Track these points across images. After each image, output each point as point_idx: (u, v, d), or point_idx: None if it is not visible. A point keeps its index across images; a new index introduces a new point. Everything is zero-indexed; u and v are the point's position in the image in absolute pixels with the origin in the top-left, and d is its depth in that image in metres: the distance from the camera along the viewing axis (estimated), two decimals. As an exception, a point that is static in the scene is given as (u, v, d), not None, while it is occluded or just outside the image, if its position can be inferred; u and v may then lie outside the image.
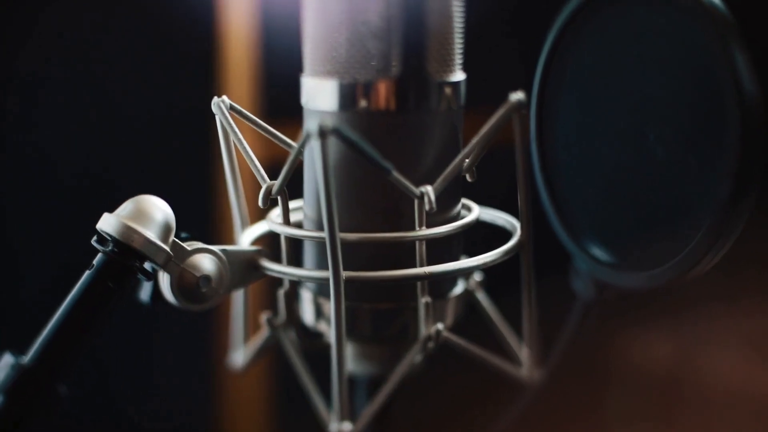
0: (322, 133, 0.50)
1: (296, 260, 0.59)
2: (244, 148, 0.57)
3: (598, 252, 0.60)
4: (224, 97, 0.58)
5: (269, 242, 0.62)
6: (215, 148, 1.18)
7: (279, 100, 1.15)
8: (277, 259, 0.59)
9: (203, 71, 1.22)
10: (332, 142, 0.51)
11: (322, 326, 0.60)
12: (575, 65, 0.60)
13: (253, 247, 0.59)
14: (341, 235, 0.52)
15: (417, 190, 0.54)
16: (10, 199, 1.16)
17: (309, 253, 0.59)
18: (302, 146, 0.53)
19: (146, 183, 1.12)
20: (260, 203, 0.56)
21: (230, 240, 0.63)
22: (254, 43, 1.21)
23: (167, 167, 1.21)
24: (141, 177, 1.18)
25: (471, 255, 0.59)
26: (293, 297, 0.60)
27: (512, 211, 0.64)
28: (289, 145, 0.59)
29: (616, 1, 0.58)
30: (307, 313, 0.60)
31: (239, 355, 0.65)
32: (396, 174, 0.53)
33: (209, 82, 1.20)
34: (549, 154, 0.62)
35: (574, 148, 0.61)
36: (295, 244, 0.59)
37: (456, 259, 0.59)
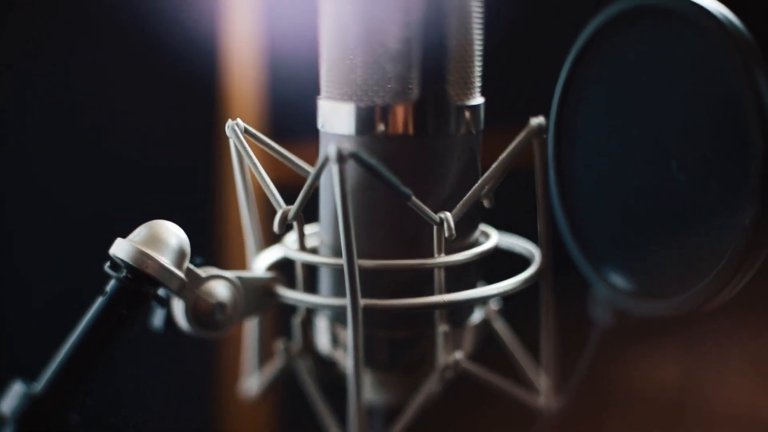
0: (341, 158, 0.50)
1: (311, 285, 0.58)
2: (259, 171, 0.56)
3: (617, 279, 0.59)
4: (238, 120, 0.58)
5: (282, 266, 0.61)
6: (219, 171, 1.17)
7: (283, 121, 1.14)
8: (291, 284, 0.58)
9: (207, 95, 1.21)
10: (350, 166, 0.50)
11: (339, 354, 0.58)
12: (594, 89, 0.59)
13: (268, 274, 0.58)
14: (359, 262, 0.51)
15: (436, 217, 0.53)
16: (17, 224, 1.15)
17: (325, 279, 0.58)
18: (320, 170, 0.52)
19: (150, 206, 1.12)
20: (276, 229, 0.55)
21: (235, 264, 0.62)
22: (259, 66, 1.20)
23: (171, 191, 1.20)
24: (145, 200, 1.17)
25: (488, 278, 0.57)
26: (309, 324, 0.59)
27: (526, 233, 0.63)
28: (304, 169, 0.58)
29: (635, 24, 0.57)
30: (323, 340, 0.59)
31: (253, 383, 0.63)
32: (415, 200, 0.52)
33: (213, 106, 1.20)
34: (567, 179, 0.61)
35: (593, 173, 0.60)
36: (311, 269, 0.58)
37: (474, 285, 0.58)
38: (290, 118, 1.08)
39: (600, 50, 0.59)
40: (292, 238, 0.59)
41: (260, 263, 0.60)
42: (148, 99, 1.19)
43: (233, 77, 1.19)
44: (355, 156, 0.50)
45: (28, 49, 1.12)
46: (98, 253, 0.55)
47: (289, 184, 0.58)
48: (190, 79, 1.20)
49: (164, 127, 1.18)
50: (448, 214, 0.53)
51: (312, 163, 0.55)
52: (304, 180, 0.55)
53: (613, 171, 0.59)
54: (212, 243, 1.21)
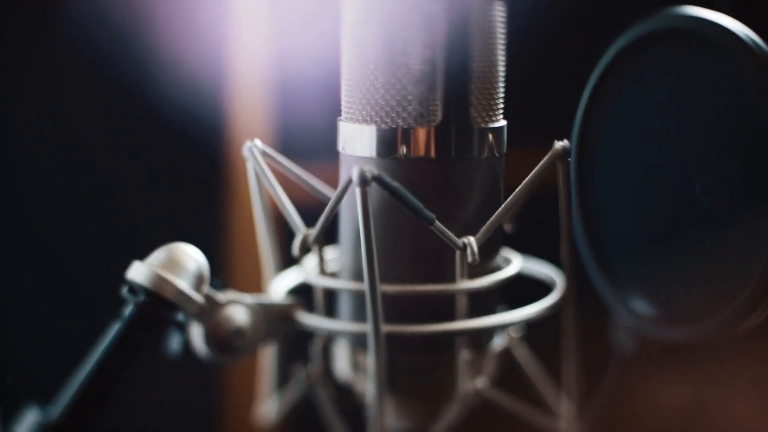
0: (364, 180, 0.49)
1: (330, 309, 0.57)
2: (279, 194, 0.55)
3: (639, 304, 0.58)
4: (257, 141, 0.57)
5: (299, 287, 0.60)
6: (228, 191, 1.16)
7: (290, 141, 1.14)
8: (309, 306, 0.57)
9: (215, 113, 1.20)
10: (372, 189, 0.49)
11: (358, 379, 0.57)
12: (616, 111, 0.59)
13: (288, 299, 0.57)
14: (381, 287, 0.51)
15: (459, 241, 0.52)
16: (30, 247, 1.14)
17: (345, 303, 0.57)
18: (342, 194, 0.51)
19: (157, 226, 1.11)
20: (295, 253, 0.54)
21: (243, 285, 0.61)
22: (267, 85, 1.19)
23: (179, 211, 1.19)
24: (153, 220, 1.16)
25: (506, 300, 0.57)
26: (328, 349, 0.58)
27: (542, 254, 0.62)
28: (320, 191, 0.57)
29: (659, 46, 0.56)
30: (342, 366, 0.58)
31: (270, 407, 0.62)
32: (439, 224, 0.51)
33: (221, 125, 1.19)
34: (588, 202, 0.60)
35: (615, 196, 0.60)
36: (330, 292, 0.57)
37: (494, 309, 0.57)
38: (297, 137, 1.07)
39: (622, 72, 0.58)
40: (310, 261, 0.58)
41: (278, 287, 0.59)
42: (156, 116, 1.18)
43: (241, 97, 1.18)
44: (378, 179, 0.49)
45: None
46: (109, 276, 0.54)
47: (300, 202, 0.57)
48: (198, 98, 1.19)
49: (172, 148, 1.17)
50: (472, 238, 0.52)
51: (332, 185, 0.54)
52: (315, 199, 0.54)
53: (636, 194, 0.58)
54: (220, 263, 1.20)
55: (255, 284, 0.76)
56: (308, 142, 0.97)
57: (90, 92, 1.11)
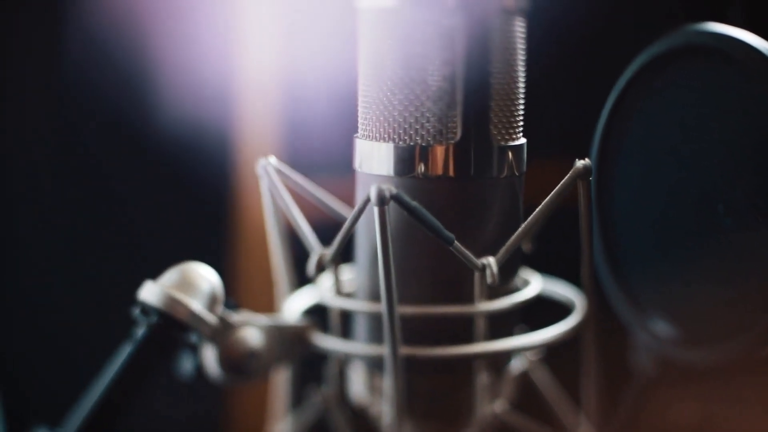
0: (382, 200, 0.48)
1: (346, 329, 0.56)
2: (294, 213, 0.54)
3: (661, 326, 0.57)
4: (271, 158, 0.56)
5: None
6: (236, 212, 1.15)
7: (301, 157, 1.13)
8: (323, 325, 0.56)
9: (222, 131, 1.19)
10: (390, 207, 0.48)
11: (375, 402, 0.56)
12: (636, 129, 0.58)
13: (303, 321, 0.56)
14: (399, 309, 0.49)
15: (479, 262, 0.51)
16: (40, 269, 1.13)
17: (361, 323, 0.56)
18: (360, 213, 0.50)
19: (164, 245, 1.10)
20: (310, 273, 0.53)
21: (250, 303, 0.60)
22: (275, 99, 1.18)
23: (187, 231, 1.18)
24: (160, 239, 1.15)
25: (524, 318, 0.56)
26: (343, 370, 0.57)
27: (557, 272, 0.61)
28: (335, 209, 0.56)
29: (679, 63, 0.55)
30: (357, 387, 0.57)
31: (284, 430, 0.61)
32: (458, 245, 0.50)
33: (228, 141, 1.18)
34: (609, 222, 0.59)
35: (636, 215, 0.59)
36: (345, 312, 0.56)
37: (512, 330, 0.56)
38: (305, 152, 1.06)
39: (642, 89, 0.57)
40: (326, 281, 0.57)
41: (292, 307, 0.58)
42: (165, 132, 1.17)
43: (250, 112, 1.17)
44: (396, 198, 0.48)
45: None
46: (120, 295, 0.53)
47: (310, 217, 0.56)
48: (207, 113, 1.18)
49: (181, 165, 1.16)
50: (491, 259, 0.51)
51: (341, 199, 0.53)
52: (326, 214, 0.53)
53: (657, 213, 0.58)
54: (228, 281, 1.19)
55: (264, 303, 0.75)
56: (317, 156, 0.96)
57: (97, 106, 1.11)
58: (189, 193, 1.15)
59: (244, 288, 1.16)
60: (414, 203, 0.49)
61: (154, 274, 0.52)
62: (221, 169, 1.15)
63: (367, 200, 0.49)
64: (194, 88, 1.11)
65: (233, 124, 1.15)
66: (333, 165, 0.91)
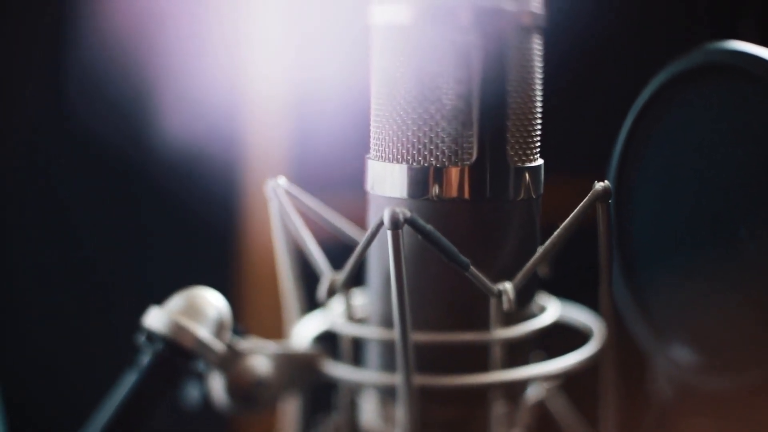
0: (396, 223, 0.46)
1: (356, 355, 0.55)
2: (304, 236, 0.53)
3: (681, 352, 0.56)
4: (281, 179, 0.54)
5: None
6: (240, 233, 1.13)
7: (306, 176, 1.11)
8: (333, 349, 0.55)
9: (228, 149, 1.18)
10: (403, 231, 0.47)
11: (387, 431, 0.54)
12: (655, 150, 0.57)
13: (313, 348, 0.54)
14: (413, 336, 0.48)
15: (495, 288, 0.49)
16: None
17: (373, 350, 0.54)
18: (372, 236, 0.49)
19: (166, 267, 1.08)
20: (321, 298, 0.52)
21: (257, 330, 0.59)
22: (282, 117, 1.17)
23: (189, 253, 1.16)
24: (162, 261, 1.14)
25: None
26: (354, 398, 0.56)
27: (574, 295, 0.59)
28: (345, 232, 0.55)
29: (700, 82, 0.54)
30: (369, 416, 0.55)
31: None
32: (473, 270, 0.48)
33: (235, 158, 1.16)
34: (627, 245, 0.58)
35: (655, 238, 0.57)
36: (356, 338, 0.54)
37: (528, 356, 0.54)
38: (310, 171, 1.05)
39: (662, 109, 0.56)
40: (337, 306, 0.55)
41: (302, 333, 0.56)
42: (169, 153, 1.15)
43: (256, 133, 1.16)
44: (411, 222, 0.46)
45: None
46: (123, 321, 0.51)
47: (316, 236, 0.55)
48: (212, 134, 1.17)
49: (185, 186, 1.15)
50: (508, 285, 0.50)
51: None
52: (334, 234, 0.51)
53: (677, 236, 0.56)
54: (232, 305, 1.17)
55: (270, 328, 0.73)
56: (324, 175, 0.94)
57: (101, 124, 1.09)
58: (194, 215, 1.13)
59: (249, 312, 1.14)
60: (429, 227, 0.47)
61: (159, 298, 0.51)
62: (227, 190, 1.14)
63: (381, 224, 0.47)
64: (201, 106, 1.10)
65: (240, 143, 1.14)
66: (340, 184, 0.90)
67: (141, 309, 0.51)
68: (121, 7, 1.08)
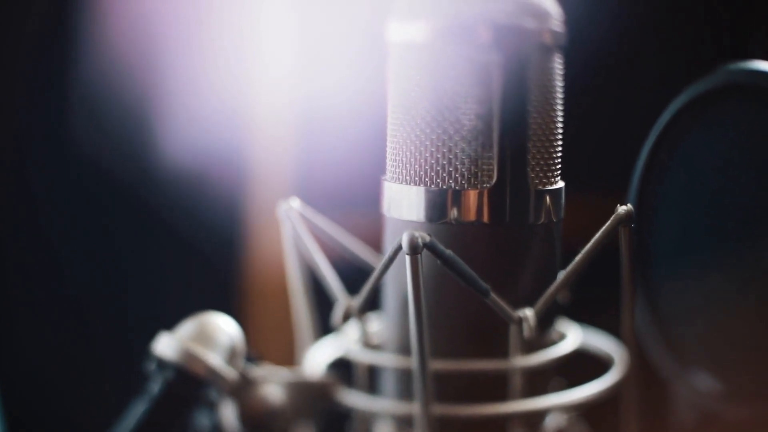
0: (415, 248, 0.45)
1: (371, 378, 0.54)
2: (318, 259, 0.51)
3: (703, 379, 0.54)
4: (294, 202, 0.53)
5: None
6: (244, 259, 1.12)
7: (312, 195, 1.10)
8: (347, 373, 0.54)
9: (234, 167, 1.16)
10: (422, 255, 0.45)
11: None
12: (675, 173, 0.55)
13: (327, 376, 0.53)
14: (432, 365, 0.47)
15: (515, 315, 0.48)
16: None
17: (389, 377, 0.53)
18: (390, 261, 0.47)
19: (168, 288, 1.07)
20: (336, 323, 0.50)
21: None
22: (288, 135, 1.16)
23: (193, 275, 1.15)
24: (164, 283, 1.12)
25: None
26: (369, 427, 0.54)
27: (589, 319, 0.58)
28: (359, 256, 0.54)
29: (722, 103, 0.53)
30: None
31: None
32: (494, 296, 0.47)
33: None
34: (647, 270, 0.56)
35: (676, 262, 0.56)
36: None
37: (548, 384, 0.53)
38: (316, 192, 1.04)
39: (683, 130, 0.55)
40: (351, 332, 0.54)
41: (315, 359, 0.55)
42: (173, 172, 1.14)
43: (261, 152, 1.15)
44: (430, 246, 0.45)
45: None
46: (130, 345, 0.50)
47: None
48: (217, 152, 1.16)
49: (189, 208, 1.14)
50: (528, 312, 0.48)
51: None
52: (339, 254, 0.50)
53: (699, 261, 0.55)
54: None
55: (276, 352, 0.72)
56: (331, 194, 0.93)
57: (105, 147, 1.08)
58: (199, 237, 1.12)
59: (253, 337, 1.13)
60: (449, 252, 0.46)
61: (164, 322, 0.50)
62: (233, 212, 1.12)
63: (399, 248, 0.46)
64: (206, 125, 1.09)
65: (246, 163, 1.13)
66: (346, 204, 0.88)
67: (145, 334, 0.50)
68: (124, 25, 1.07)
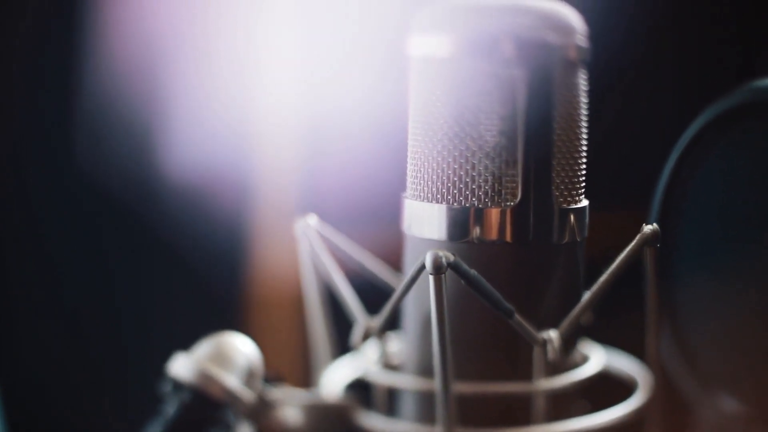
0: (438, 268, 0.44)
1: (390, 400, 0.53)
2: (337, 279, 0.50)
3: (727, 402, 0.53)
4: (312, 218, 0.52)
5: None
6: (250, 277, 1.11)
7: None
8: (365, 394, 0.53)
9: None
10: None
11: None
12: (699, 193, 0.55)
13: (345, 397, 0.51)
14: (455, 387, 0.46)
15: (539, 337, 0.47)
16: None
17: (409, 399, 0.52)
18: (413, 281, 0.46)
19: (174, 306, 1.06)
20: (355, 344, 0.49)
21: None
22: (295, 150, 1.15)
23: (197, 293, 1.14)
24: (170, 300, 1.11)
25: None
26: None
27: (608, 339, 0.57)
28: (376, 275, 0.53)
29: (746, 121, 0.52)
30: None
31: None
32: (518, 318, 0.46)
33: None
34: (670, 291, 0.55)
35: (699, 283, 0.55)
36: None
37: (571, 407, 0.52)
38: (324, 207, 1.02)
39: (706, 149, 0.54)
40: (370, 352, 0.53)
41: (332, 380, 0.54)
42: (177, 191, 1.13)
43: (268, 168, 1.14)
44: (455, 266, 0.44)
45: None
46: (142, 367, 0.49)
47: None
48: (221, 169, 1.15)
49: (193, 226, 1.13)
50: (553, 334, 0.47)
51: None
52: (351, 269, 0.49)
53: (723, 281, 0.54)
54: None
55: (281, 369, 0.71)
56: (340, 209, 0.92)
57: (108, 164, 1.07)
58: (205, 253, 1.11)
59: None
60: (473, 272, 0.45)
61: (172, 341, 0.49)
62: (242, 227, 1.11)
63: (422, 267, 0.45)
64: (212, 143, 1.08)
65: (254, 179, 1.12)
66: (355, 217, 0.87)
67: (153, 354, 0.48)
68: (128, 39, 1.06)
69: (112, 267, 1.09)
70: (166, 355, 0.48)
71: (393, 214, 0.55)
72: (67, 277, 1.07)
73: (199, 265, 1.10)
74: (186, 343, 0.50)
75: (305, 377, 0.59)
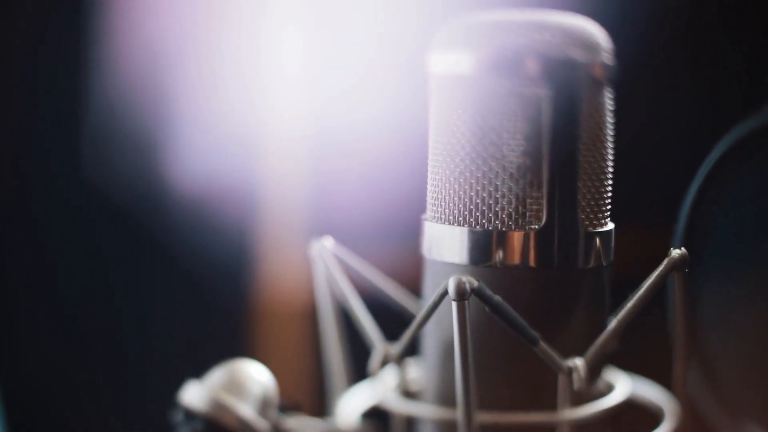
0: (462, 293, 0.42)
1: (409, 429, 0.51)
2: (353, 303, 0.49)
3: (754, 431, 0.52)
4: (327, 240, 0.50)
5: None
6: (256, 297, 1.09)
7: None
8: (381, 422, 0.51)
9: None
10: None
11: None
12: (723, 215, 0.53)
13: (362, 426, 0.50)
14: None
15: (565, 365, 0.45)
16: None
17: (427, 427, 0.50)
18: (435, 306, 0.45)
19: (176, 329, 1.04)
20: (373, 370, 0.48)
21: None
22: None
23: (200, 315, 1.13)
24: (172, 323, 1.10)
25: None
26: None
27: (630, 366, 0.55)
28: (395, 299, 0.51)
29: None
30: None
31: None
32: (543, 345, 0.44)
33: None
34: (696, 317, 0.54)
35: (726, 308, 0.53)
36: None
37: None
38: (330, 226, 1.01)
39: (732, 171, 0.53)
40: (388, 379, 0.51)
41: (348, 407, 0.52)
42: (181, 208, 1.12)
43: (274, 187, 1.12)
44: (478, 292, 0.42)
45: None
46: (151, 393, 0.47)
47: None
48: (226, 184, 1.13)
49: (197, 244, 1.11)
50: (579, 362, 0.45)
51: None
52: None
53: (749, 307, 0.52)
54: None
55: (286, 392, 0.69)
56: (347, 227, 0.91)
57: (112, 176, 1.06)
58: (211, 271, 1.10)
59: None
60: (497, 298, 0.43)
61: (166, 346, 0.47)
62: (248, 245, 1.10)
63: (444, 293, 0.43)
64: (219, 157, 1.06)
65: (263, 197, 1.10)
66: (371, 236, 0.86)
67: (150, 379, 0.47)
68: (135, 49, 1.05)
69: (115, 279, 1.08)
70: (167, 370, 0.47)
71: (406, 233, 0.53)
72: (70, 284, 1.06)
73: (206, 280, 1.09)
74: (189, 360, 0.48)
75: (318, 403, 0.57)
